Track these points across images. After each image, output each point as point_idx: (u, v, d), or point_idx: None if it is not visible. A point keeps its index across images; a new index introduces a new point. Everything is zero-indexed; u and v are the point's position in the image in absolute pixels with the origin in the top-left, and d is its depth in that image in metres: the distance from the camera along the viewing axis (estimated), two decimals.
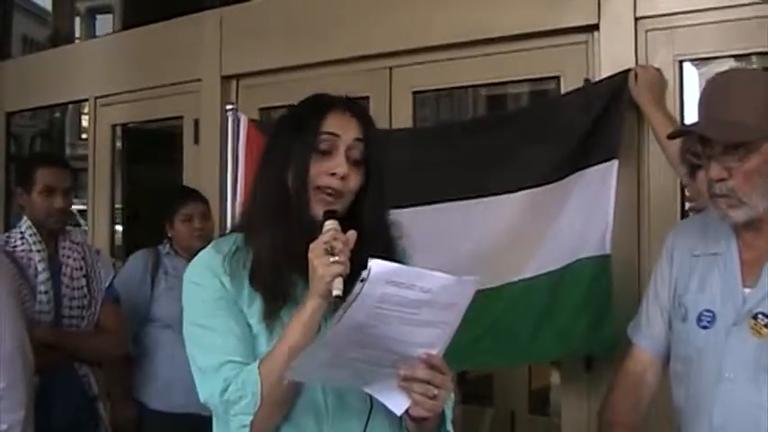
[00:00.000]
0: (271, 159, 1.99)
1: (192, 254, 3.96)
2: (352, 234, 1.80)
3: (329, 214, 1.85)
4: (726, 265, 2.20)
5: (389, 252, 1.96)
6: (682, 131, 2.27)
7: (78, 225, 4.49)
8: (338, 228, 1.81)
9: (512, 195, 3.42)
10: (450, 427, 1.95)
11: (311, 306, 1.78)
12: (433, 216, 3.46)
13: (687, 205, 3.33)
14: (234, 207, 3.71)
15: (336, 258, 1.74)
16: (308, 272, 1.78)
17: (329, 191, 1.90)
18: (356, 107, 2.00)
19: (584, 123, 3.31)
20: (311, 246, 1.78)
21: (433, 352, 1.75)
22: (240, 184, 3.70)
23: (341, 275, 1.73)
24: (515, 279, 3.38)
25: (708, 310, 2.19)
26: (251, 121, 3.90)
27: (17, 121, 7.27)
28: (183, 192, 4.34)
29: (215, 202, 4.17)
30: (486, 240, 3.44)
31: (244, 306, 1.91)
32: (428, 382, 1.75)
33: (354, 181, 1.93)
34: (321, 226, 1.82)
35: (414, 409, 1.79)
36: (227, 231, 2.18)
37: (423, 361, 1.74)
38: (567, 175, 3.32)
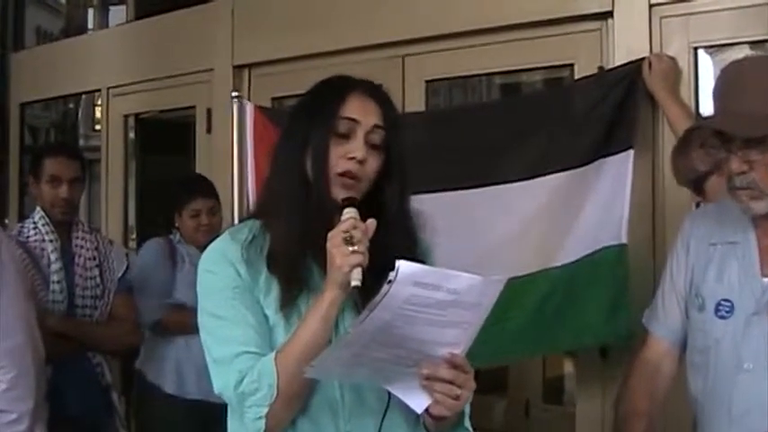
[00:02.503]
0: (288, 143, 1.95)
1: (197, 246, 4.00)
2: (371, 223, 1.76)
3: (348, 201, 1.80)
4: (744, 254, 2.18)
5: (411, 242, 1.92)
6: (699, 126, 2.24)
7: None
8: (357, 216, 1.76)
9: (527, 183, 3.40)
10: (468, 423, 1.93)
11: (329, 297, 1.74)
12: (451, 203, 3.44)
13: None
14: (241, 196, 3.70)
15: (355, 248, 1.69)
16: (326, 261, 1.75)
17: (348, 175, 1.85)
18: (378, 91, 1.95)
19: (599, 111, 3.29)
20: (329, 234, 1.73)
21: (456, 351, 1.72)
22: (250, 172, 3.68)
23: (360, 266, 1.68)
24: (537, 270, 3.36)
25: (726, 300, 2.17)
26: (258, 108, 3.89)
27: (32, 113, 7.29)
28: (194, 185, 4.30)
29: (227, 191, 4.17)
30: (504, 230, 3.43)
31: (260, 295, 1.87)
32: (451, 382, 1.72)
33: (373, 165, 1.88)
34: (340, 213, 1.78)
35: (435, 408, 1.76)
36: (242, 218, 2.14)
37: (446, 360, 1.71)
38: (584, 164, 3.30)
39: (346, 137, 1.87)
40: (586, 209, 3.30)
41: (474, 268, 3.21)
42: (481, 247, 3.38)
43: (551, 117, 3.40)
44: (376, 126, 1.89)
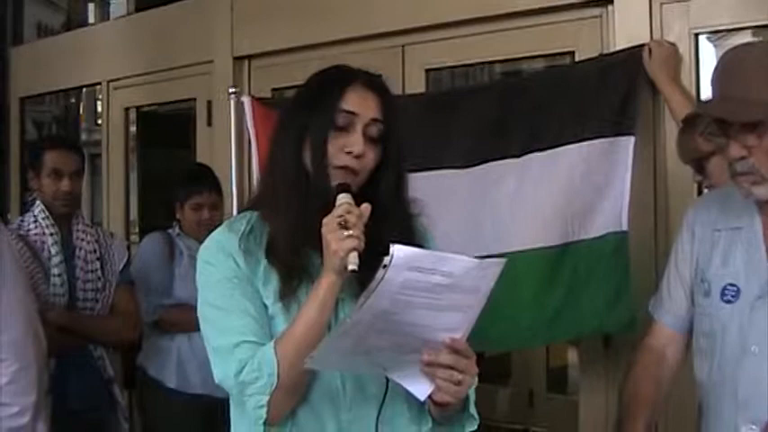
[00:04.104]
0: (287, 134, 1.94)
1: (197, 239, 3.99)
2: (365, 207, 1.76)
3: (342, 187, 1.81)
4: (749, 239, 2.17)
5: (407, 228, 1.93)
6: (696, 113, 2.24)
7: None
8: (351, 201, 1.77)
9: (518, 159, 3.37)
10: (473, 409, 1.92)
11: (326, 282, 1.75)
12: (441, 181, 3.42)
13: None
14: (240, 190, 3.68)
15: (350, 232, 1.69)
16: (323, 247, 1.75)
17: (346, 169, 1.86)
18: (377, 82, 1.95)
19: (599, 92, 3.27)
20: (324, 220, 1.74)
21: (457, 336, 1.72)
22: (255, 166, 3.66)
23: (356, 250, 1.69)
24: (527, 248, 3.31)
25: (731, 285, 2.16)
26: (257, 99, 3.87)
27: (35, 107, 7.28)
28: (199, 178, 4.28)
29: (228, 184, 4.16)
30: (492, 207, 3.41)
31: (259, 285, 1.87)
32: (452, 368, 1.72)
33: (370, 158, 1.89)
34: (334, 199, 1.78)
35: (437, 395, 1.77)
36: (241, 210, 2.13)
37: (446, 346, 1.71)
38: (583, 140, 3.27)
39: (345, 129, 1.87)
40: (585, 189, 3.26)
41: (471, 245, 3.19)
42: (477, 224, 3.37)
43: (550, 97, 3.37)
44: (374, 120, 1.89)
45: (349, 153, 1.86)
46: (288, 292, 1.85)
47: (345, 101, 1.88)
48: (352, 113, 1.87)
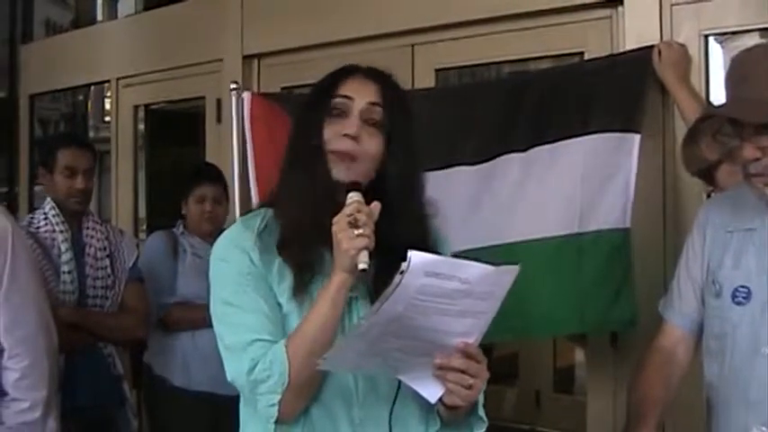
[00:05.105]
0: (296, 132, 1.98)
1: (201, 235, 4.01)
2: (375, 205, 1.77)
3: (352, 186, 1.81)
4: (761, 240, 2.17)
5: (420, 229, 1.93)
6: (710, 114, 2.24)
7: None
8: (361, 200, 1.77)
9: (524, 153, 3.34)
10: (482, 412, 1.93)
11: (337, 281, 1.75)
12: (451, 179, 3.40)
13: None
14: (241, 186, 3.68)
15: (361, 231, 1.70)
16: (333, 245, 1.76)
17: (343, 154, 1.86)
18: (378, 73, 1.97)
19: (606, 88, 3.25)
20: (334, 219, 1.74)
21: (470, 341, 1.73)
22: (250, 162, 3.66)
23: (366, 248, 1.69)
24: (527, 239, 3.28)
25: (743, 286, 2.17)
26: (263, 95, 3.87)
27: (42, 105, 7.30)
28: (201, 171, 4.31)
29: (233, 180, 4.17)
30: (494, 197, 3.37)
31: (274, 283, 1.87)
32: (464, 372, 1.74)
33: (370, 144, 1.89)
34: (345, 195, 1.79)
35: (448, 398, 1.78)
36: (248, 210, 2.14)
37: (459, 350, 1.73)
38: (582, 135, 3.24)
39: (342, 115, 1.89)
40: (589, 183, 3.22)
41: (471, 235, 3.16)
42: (478, 214, 3.34)
43: (557, 93, 3.34)
44: (372, 103, 1.90)
45: (345, 136, 1.86)
46: (301, 289, 1.85)
47: (342, 88, 1.90)
48: (348, 98, 1.89)
